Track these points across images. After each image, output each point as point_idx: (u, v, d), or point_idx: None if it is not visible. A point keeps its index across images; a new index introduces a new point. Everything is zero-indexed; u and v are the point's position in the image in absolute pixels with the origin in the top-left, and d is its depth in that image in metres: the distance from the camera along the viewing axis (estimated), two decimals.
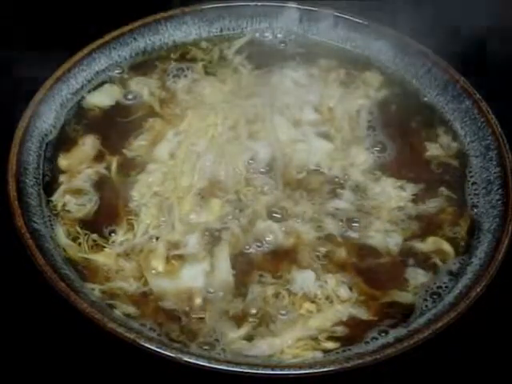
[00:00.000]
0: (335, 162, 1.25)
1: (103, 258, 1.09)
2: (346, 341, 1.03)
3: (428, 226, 1.18)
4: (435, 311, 1.05)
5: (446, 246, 1.15)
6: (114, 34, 1.37)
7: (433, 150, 1.29)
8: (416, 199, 1.21)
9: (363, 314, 1.06)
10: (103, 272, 1.08)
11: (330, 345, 1.02)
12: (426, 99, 1.37)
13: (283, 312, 1.05)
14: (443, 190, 1.22)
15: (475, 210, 1.20)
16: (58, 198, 1.17)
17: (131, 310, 1.04)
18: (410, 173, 1.25)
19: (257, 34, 1.47)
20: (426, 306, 1.07)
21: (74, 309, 0.98)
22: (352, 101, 1.35)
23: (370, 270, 1.12)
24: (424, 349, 1.00)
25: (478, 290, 1.03)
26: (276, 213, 1.17)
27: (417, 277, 1.11)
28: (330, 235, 1.15)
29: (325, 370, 0.95)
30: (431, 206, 1.20)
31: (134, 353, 0.96)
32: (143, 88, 1.35)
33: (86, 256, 1.09)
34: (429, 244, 1.16)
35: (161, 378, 1.04)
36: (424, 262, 1.14)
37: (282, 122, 1.30)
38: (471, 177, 1.24)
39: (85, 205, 1.17)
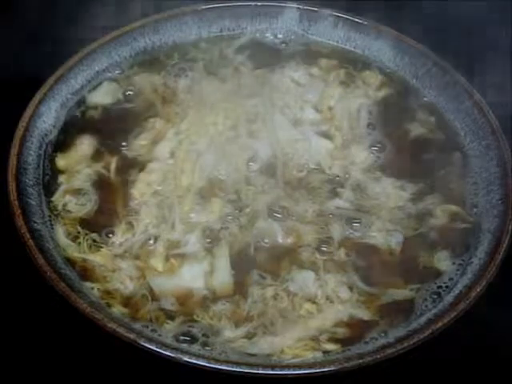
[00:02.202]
0: (335, 160, 1.25)
1: (103, 258, 1.09)
2: (346, 341, 1.03)
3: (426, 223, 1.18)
4: (435, 311, 1.05)
5: (454, 208, 1.18)
6: (114, 33, 1.37)
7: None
8: (415, 198, 1.21)
9: (363, 313, 1.06)
10: (102, 272, 1.08)
11: (331, 346, 1.02)
12: (425, 99, 1.37)
13: (283, 313, 1.05)
14: (443, 189, 1.22)
15: (475, 210, 1.20)
16: (58, 198, 1.17)
17: (131, 310, 1.04)
18: (410, 172, 1.25)
19: (257, 34, 1.47)
20: (426, 306, 1.07)
21: (74, 309, 0.98)
22: (352, 100, 1.36)
23: (371, 270, 1.12)
24: (424, 349, 1.00)
25: (478, 290, 1.04)
26: (276, 212, 1.17)
27: (446, 258, 1.13)
28: (330, 234, 1.15)
29: (325, 369, 0.95)
30: (431, 204, 1.20)
31: (134, 353, 0.96)
32: (144, 88, 1.36)
33: (85, 256, 1.09)
34: (440, 217, 1.18)
35: (161, 378, 1.04)
36: (447, 236, 1.16)
37: (283, 122, 1.30)
38: (471, 177, 1.24)
39: (85, 204, 1.17)
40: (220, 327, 1.03)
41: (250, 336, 1.03)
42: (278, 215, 1.17)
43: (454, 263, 1.13)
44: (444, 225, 1.18)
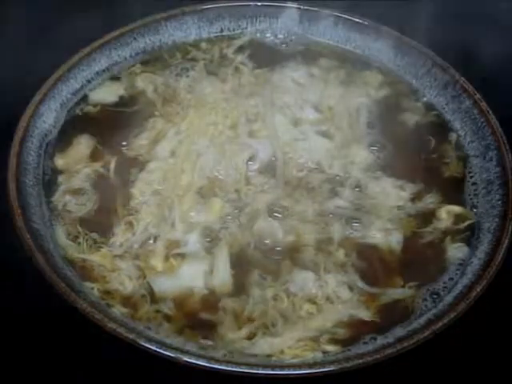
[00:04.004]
0: (335, 160, 1.25)
1: (102, 259, 1.09)
2: (346, 341, 1.03)
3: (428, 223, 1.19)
4: (435, 311, 1.05)
5: (454, 208, 1.19)
6: (114, 33, 1.37)
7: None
8: (415, 198, 1.21)
9: (363, 314, 1.06)
10: (102, 272, 1.08)
11: (331, 347, 1.02)
12: (425, 99, 1.37)
13: (283, 313, 1.05)
14: (443, 189, 1.22)
15: (475, 210, 1.20)
16: (58, 198, 1.17)
17: (130, 310, 1.04)
18: (410, 172, 1.25)
19: (257, 34, 1.47)
20: (426, 306, 1.07)
21: (74, 309, 0.98)
22: (352, 100, 1.36)
23: (371, 270, 1.12)
24: (424, 349, 1.00)
25: (478, 289, 1.04)
26: (276, 211, 1.17)
27: (457, 252, 1.13)
28: (330, 234, 1.15)
29: (325, 370, 0.95)
30: (430, 204, 1.20)
31: (134, 353, 0.96)
32: (144, 87, 1.36)
33: (84, 256, 1.09)
34: (439, 217, 1.18)
35: (161, 378, 1.04)
36: (447, 236, 1.16)
37: (283, 121, 1.30)
38: (471, 177, 1.24)
39: (85, 204, 1.17)
40: (220, 327, 1.03)
41: (250, 336, 1.03)
42: (278, 215, 1.17)
43: (453, 263, 1.13)
44: (444, 224, 1.18)
